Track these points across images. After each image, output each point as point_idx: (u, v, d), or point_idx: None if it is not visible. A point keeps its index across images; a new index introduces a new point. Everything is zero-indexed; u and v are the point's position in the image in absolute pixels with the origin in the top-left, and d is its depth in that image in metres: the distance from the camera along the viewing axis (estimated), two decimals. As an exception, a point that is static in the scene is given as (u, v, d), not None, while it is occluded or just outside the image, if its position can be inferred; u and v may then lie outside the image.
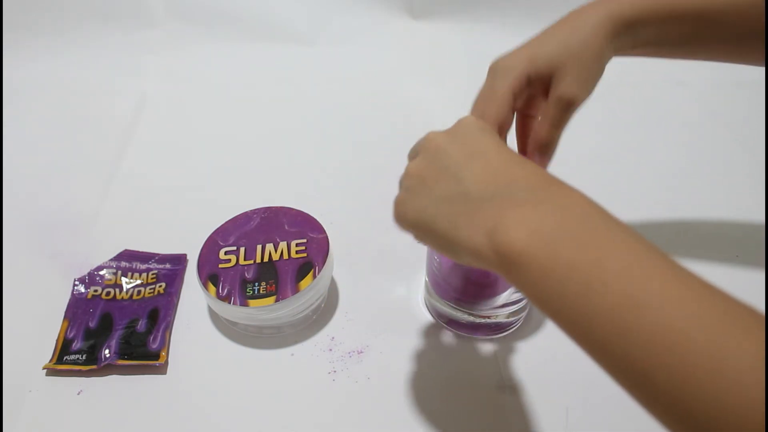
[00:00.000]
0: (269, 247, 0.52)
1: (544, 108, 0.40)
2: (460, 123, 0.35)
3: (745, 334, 0.22)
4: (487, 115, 0.38)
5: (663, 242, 0.61)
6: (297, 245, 0.52)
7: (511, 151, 0.32)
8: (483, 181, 0.30)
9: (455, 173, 0.31)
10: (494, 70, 0.40)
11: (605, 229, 0.26)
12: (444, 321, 0.52)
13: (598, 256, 0.25)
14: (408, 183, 0.34)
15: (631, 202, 0.63)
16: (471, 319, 0.50)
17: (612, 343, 0.25)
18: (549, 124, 0.39)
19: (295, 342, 0.51)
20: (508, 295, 0.47)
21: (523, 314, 0.51)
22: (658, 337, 0.23)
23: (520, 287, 0.28)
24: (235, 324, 0.51)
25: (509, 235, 0.27)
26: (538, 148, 0.40)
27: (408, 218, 0.33)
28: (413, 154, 0.37)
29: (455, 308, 0.50)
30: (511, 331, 0.51)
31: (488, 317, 0.49)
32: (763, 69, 0.83)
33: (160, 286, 0.55)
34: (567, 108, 0.39)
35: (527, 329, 0.52)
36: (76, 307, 0.53)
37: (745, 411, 0.21)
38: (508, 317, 0.50)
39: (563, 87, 0.38)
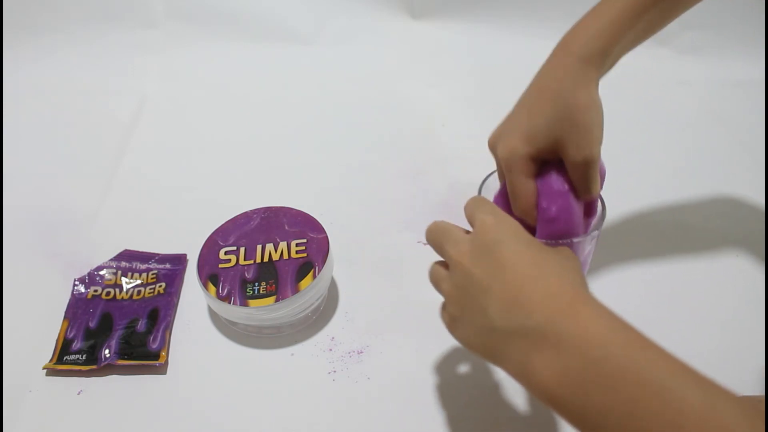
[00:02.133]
0: (269, 247, 0.52)
1: (570, 173, 0.39)
2: (480, 231, 0.35)
3: None
4: (522, 211, 0.39)
5: (663, 242, 0.61)
6: (297, 245, 0.52)
7: (529, 256, 0.33)
8: (505, 313, 0.31)
9: (481, 304, 0.33)
10: (504, 160, 0.39)
11: (626, 363, 0.27)
12: None
13: (628, 396, 0.26)
14: (450, 310, 0.37)
15: (631, 201, 0.63)
16: None
17: None
18: (583, 186, 0.39)
19: (295, 342, 0.51)
20: None
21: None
22: None
23: (555, 410, 0.30)
24: (235, 324, 0.51)
25: (540, 379, 0.29)
26: (590, 200, 0.41)
27: (460, 341, 0.37)
28: (440, 265, 0.38)
29: None
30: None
31: None
32: (763, 69, 0.83)
33: (160, 286, 0.55)
34: (588, 168, 0.38)
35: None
36: (76, 307, 0.53)
37: None
38: None
39: (573, 154, 0.37)
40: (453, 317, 0.36)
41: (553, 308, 0.30)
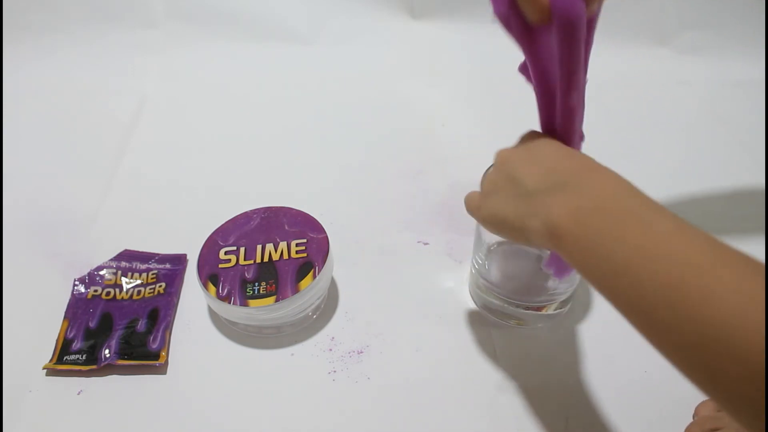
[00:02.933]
0: (269, 247, 0.52)
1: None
2: (523, 137, 0.40)
3: None
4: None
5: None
6: (297, 245, 0.52)
7: (561, 148, 0.37)
8: (538, 180, 0.35)
9: (517, 178, 0.37)
10: None
11: (635, 214, 0.30)
12: (496, 316, 0.53)
13: (633, 243, 0.29)
14: (485, 189, 0.41)
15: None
16: (523, 312, 0.51)
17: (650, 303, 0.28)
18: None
19: (295, 342, 0.51)
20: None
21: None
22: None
23: (568, 259, 0.32)
24: (235, 324, 0.51)
25: (554, 215, 0.32)
26: None
27: (484, 215, 0.40)
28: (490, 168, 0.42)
29: (508, 301, 0.51)
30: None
31: (539, 309, 0.51)
32: (763, 69, 0.83)
33: (160, 286, 0.55)
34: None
35: (529, 330, 0.52)
36: (76, 307, 0.53)
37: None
38: (557, 309, 0.51)
39: None
40: (486, 193, 0.40)
41: (582, 169, 0.34)
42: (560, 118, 0.38)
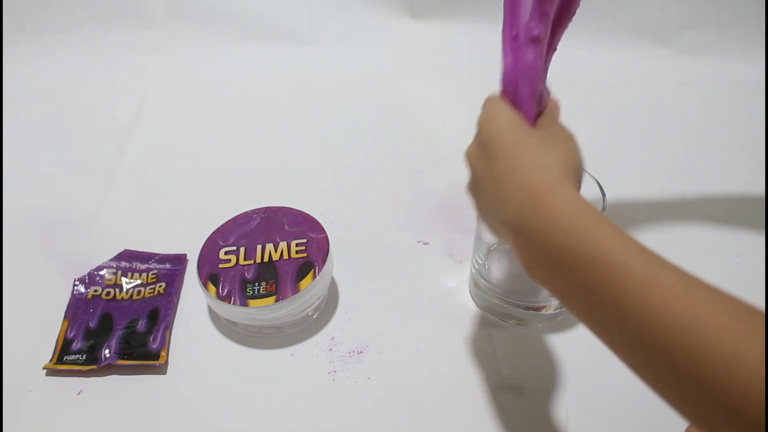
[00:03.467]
0: (269, 247, 0.52)
1: None
2: (478, 129, 0.38)
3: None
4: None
5: (663, 241, 0.61)
6: (297, 245, 0.52)
7: (510, 148, 0.35)
8: (493, 206, 0.35)
9: (482, 195, 0.37)
10: None
11: (581, 246, 0.30)
12: (496, 316, 0.53)
13: (584, 275, 0.29)
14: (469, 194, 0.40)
15: (631, 201, 0.63)
16: (523, 312, 0.51)
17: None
18: None
19: (295, 342, 0.51)
20: None
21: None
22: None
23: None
24: (235, 324, 0.51)
25: (520, 262, 0.33)
26: None
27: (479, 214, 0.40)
28: None
29: (508, 301, 0.51)
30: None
31: (539, 309, 0.51)
32: (763, 69, 0.83)
33: (160, 286, 0.55)
34: None
35: (529, 330, 0.52)
36: (76, 307, 0.53)
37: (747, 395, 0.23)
38: (557, 309, 0.51)
39: None
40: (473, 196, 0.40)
41: (524, 203, 0.32)
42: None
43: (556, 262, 0.30)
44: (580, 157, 0.36)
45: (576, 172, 0.34)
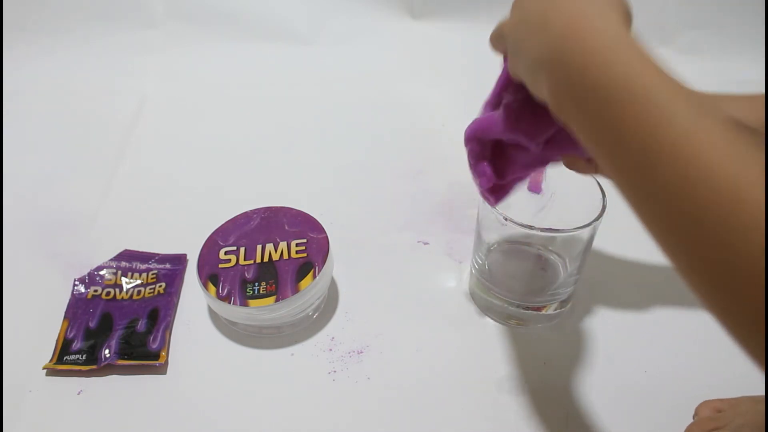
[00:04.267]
0: (269, 247, 0.52)
1: None
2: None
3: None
4: None
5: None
6: (297, 245, 0.52)
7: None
8: (535, 34, 0.32)
9: (519, 23, 0.34)
10: None
11: (623, 76, 0.27)
12: (496, 316, 0.53)
13: (618, 108, 0.26)
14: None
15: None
16: (523, 312, 0.51)
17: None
18: None
19: (295, 342, 0.51)
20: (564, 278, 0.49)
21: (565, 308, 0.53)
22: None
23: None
24: (235, 324, 0.51)
25: (546, 86, 0.30)
26: None
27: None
28: None
29: (508, 301, 0.51)
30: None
31: (539, 309, 0.51)
32: (763, 69, 0.83)
33: (160, 286, 0.55)
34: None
35: (529, 330, 0.52)
36: (76, 307, 0.53)
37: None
38: (557, 309, 0.51)
39: None
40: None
41: (567, 29, 0.29)
42: None
43: (592, 96, 0.27)
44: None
45: (626, 12, 0.32)
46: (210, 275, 0.50)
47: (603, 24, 0.29)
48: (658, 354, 0.50)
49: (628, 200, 0.27)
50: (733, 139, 0.23)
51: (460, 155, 0.71)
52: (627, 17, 0.31)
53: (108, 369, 0.49)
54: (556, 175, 0.52)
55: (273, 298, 0.48)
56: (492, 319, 0.53)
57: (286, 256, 0.51)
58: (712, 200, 0.22)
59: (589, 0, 0.30)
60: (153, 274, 0.56)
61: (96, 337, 0.50)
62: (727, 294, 0.23)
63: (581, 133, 0.29)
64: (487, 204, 0.46)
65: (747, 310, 0.22)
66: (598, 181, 0.47)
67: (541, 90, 0.32)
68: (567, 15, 0.30)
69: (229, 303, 0.48)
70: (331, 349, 0.51)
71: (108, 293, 0.54)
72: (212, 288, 0.49)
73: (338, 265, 0.55)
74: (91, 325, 0.51)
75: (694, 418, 0.45)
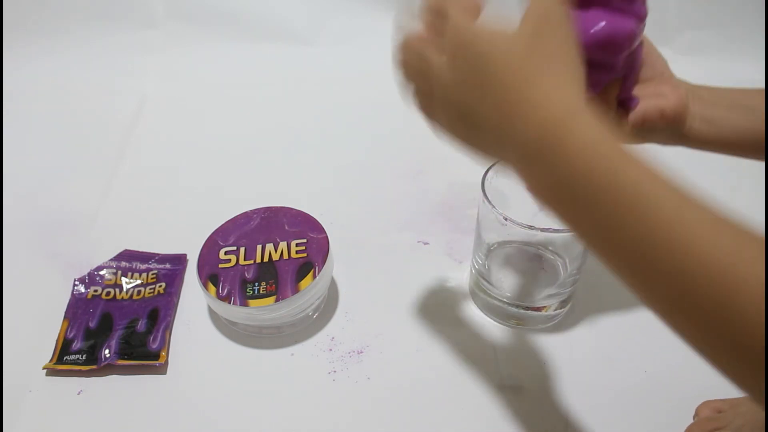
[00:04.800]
0: (269, 247, 0.52)
1: None
2: (452, 34, 0.31)
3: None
4: None
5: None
6: (297, 245, 0.52)
7: (517, 66, 0.29)
8: (497, 123, 0.30)
9: (468, 120, 0.32)
10: None
11: (608, 177, 0.27)
12: (496, 316, 0.53)
13: (608, 210, 0.27)
14: (423, 87, 0.36)
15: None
16: (523, 312, 0.51)
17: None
18: None
19: (295, 342, 0.51)
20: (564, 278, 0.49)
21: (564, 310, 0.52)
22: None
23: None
24: (235, 324, 0.51)
25: (531, 187, 0.30)
26: None
27: (434, 125, 0.38)
28: None
29: (508, 301, 0.51)
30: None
31: (539, 309, 0.51)
32: (763, 69, 0.83)
33: (160, 286, 0.55)
34: None
35: (529, 330, 0.52)
36: (76, 307, 0.53)
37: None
38: (557, 309, 0.51)
39: None
40: (427, 95, 0.34)
41: (542, 138, 0.28)
42: None
43: (575, 194, 0.27)
44: (576, 48, 0.30)
45: (578, 72, 0.30)
46: (210, 275, 0.50)
47: (578, 120, 0.28)
48: (658, 354, 0.50)
49: (618, 274, 0.28)
50: (721, 225, 0.26)
51: (460, 155, 0.70)
52: (580, 74, 0.30)
53: (108, 369, 0.49)
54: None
55: (273, 298, 0.48)
56: (492, 319, 0.53)
57: (286, 256, 0.51)
58: (709, 288, 0.24)
59: (558, 92, 0.29)
60: (153, 274, 0.56)
61: (96, 337, 0.50)
62: (730, 358, 0.25)
63: (563, 219, 0.29)
64: (487, 203, 0.46)
65: (750, 365, 0.24)
66: None
67: (508, 165, 0.31)
68: (539, 118, 0.28)
69: (229, 303, 0.48)
70: (331, 349, 0.51)
71: (108, 293, 0.54)
72: (212, 288, 0.49)
73: (338, 265, 0.55)
74: (91, 325, 0.51)
75: (694, 418, 0.45)
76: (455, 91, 0.31)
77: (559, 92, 0.29)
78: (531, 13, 0.30)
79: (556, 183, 0.28)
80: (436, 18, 0.32)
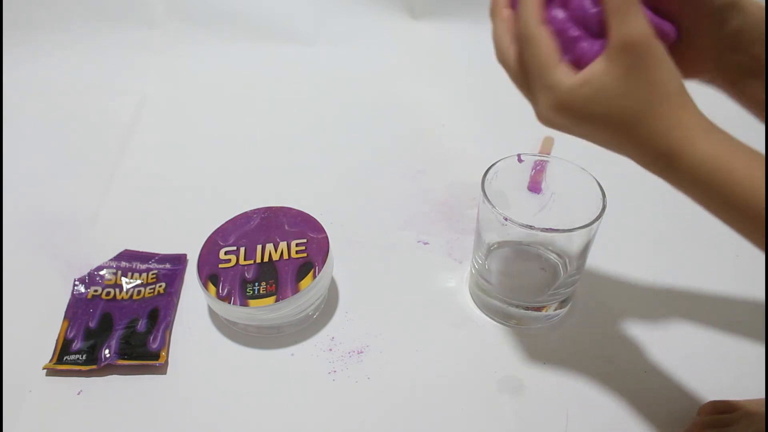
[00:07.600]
0: (269, 247, 0.52)
1: None
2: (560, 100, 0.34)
3: None
4: None
5: (663, 241, 0.61)
6: (297, 245, 0.52)
7: (625, 101, 0.33)
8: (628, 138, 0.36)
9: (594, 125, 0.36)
10: None
11: (744, 184, 0.34)
12: (496, 316, 0.53)
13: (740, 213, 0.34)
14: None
15: (631, 201, 0.63)
16: (523, 312, 0.51)
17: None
18: None
19: (295, 342, 0.51)
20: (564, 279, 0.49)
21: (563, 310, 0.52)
22: None
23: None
24: (235, 324, 0.51)
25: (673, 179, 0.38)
26: None
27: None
28: None
29: (508, 301, 0.51)
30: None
31: (539, 309, 0.51)
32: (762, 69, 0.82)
33: (160, 286, 0.55)
34: None
35: (529, 330, 0.52)
36: (76, 307, 0.53)
37: None
38: (556, 309, 0.51)
39: None
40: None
41: (661, 167, 0.36)
42: None
43: (715, 196, 0.35)
44: (674, 69, 0.33)
45: (681, 89, 0.34)
46: (210, 275, 0.50)
47: (691, 146, 0.34)
48: (658, 354, 0.50)
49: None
50: None
51: (460, 155, 0.71)
52: (683, 91, 0.34)
53: (108, 369, 0.49)
54: (556, 175, 0.52)
55: (273, 298, 0.48)
56: (492, 319, 0.53)
57: (286, 256, 0.51)
58: None
59: (664, 125, 0.34)
60: (153, 274, 0.56)
61: (96, 337, 0.50)
62: None
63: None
64: (487, 203, 0.46)
65: None
66: (597, 182, 0.47)
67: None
68: (654, 153, 0.35)
69: (229, 303, 0.48)
70: (331, 349, 0.51)
71: (108, 293, 0.54)
72: (212, 288, 0.49)
73: (338, 265, 0.55)
74: (91, 325, 0.51)
75: (697, 416, 0.45)
76: (578, 130, 0.36)
77: (664, 125, 0.34)
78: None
79: (689, 189, 0.36)
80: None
